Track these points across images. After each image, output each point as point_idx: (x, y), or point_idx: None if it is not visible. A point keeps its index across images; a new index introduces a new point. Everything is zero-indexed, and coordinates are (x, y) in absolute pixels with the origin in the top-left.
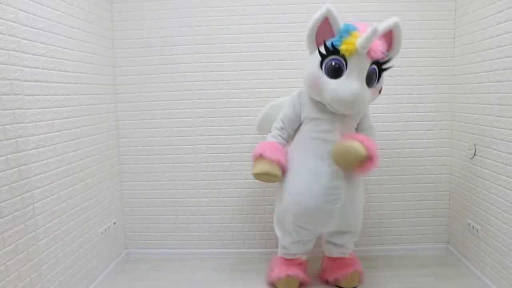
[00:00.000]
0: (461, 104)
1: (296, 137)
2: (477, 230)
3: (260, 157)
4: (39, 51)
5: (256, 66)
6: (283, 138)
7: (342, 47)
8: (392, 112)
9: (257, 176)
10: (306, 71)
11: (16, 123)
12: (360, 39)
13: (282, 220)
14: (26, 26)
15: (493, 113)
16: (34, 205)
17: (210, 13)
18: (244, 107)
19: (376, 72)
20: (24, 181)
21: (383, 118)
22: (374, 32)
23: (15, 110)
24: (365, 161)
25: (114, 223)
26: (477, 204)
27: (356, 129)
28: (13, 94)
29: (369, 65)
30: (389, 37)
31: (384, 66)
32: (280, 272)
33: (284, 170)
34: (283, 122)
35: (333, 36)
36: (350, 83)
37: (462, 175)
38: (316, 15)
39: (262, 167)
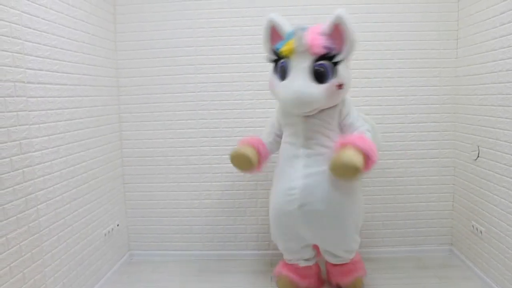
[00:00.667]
0: (464, 105)
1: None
2: (481, 232)
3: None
4: (43, 53)
5: (259, 68)
6: (269, 137)
7: (282, 49)
8: (395, 114)
9: (231, 158)
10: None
11: (20, 125)
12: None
13: (271, 226)
14: (30, 28)
15: (496, 114)
16: (38, 206)
17: (213, 15)
18: (247, 109)
19: (326, 67)
20: (28, 182)
21: (386, 119)
22: (300, 29)
23: (18, 112)
24: (364, 166)
25: (118, 225)
26: (481, 205)
27: (342, 130)
28: (16, 96)
29: (312, 61)
30: (340, 31)
31: (335, 60)
32: (278, 269)
33: (260, 158)
34: (274, 119)
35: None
36: (292, 82)
37: (465, 176)
38: (263, 26)
39: (235, 149)
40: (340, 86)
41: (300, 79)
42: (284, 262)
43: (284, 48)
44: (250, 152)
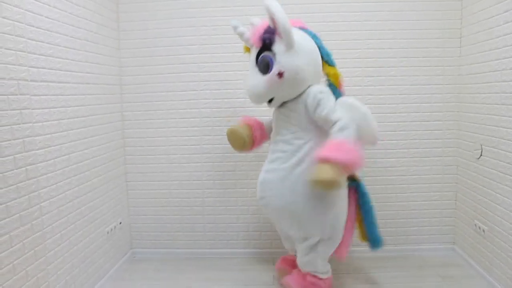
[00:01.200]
0: (467, 104)
1: None
2: (483, 231)
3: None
4: (46, 52)
5: None
6: (270, 123)
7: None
8: (398, 112)
9: (227, 134)
10: None
11: (23, 123)
12: None
13: None
14: (33, 26)
15: (499, 113)
16: (41, 204)
17: (216, 13)
18: (250, 107)
19: (268, 58)
20: (31, 180)
21: (389, 118)
22: (233, 27)
23: (22, 110)
24: (343, 174)
25: (120, 223)
26: (484, 204)
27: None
28: (20, 94)
29: (256, 53)
30: (273, 19)
31: (273, 49)
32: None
33: (254, 140)
34: None
35: None
36: (249, 76)
37: (468, 175)
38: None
39: (233, 126)
40: (280, 74)
41: (251, 72)
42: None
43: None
44: (245, 133)
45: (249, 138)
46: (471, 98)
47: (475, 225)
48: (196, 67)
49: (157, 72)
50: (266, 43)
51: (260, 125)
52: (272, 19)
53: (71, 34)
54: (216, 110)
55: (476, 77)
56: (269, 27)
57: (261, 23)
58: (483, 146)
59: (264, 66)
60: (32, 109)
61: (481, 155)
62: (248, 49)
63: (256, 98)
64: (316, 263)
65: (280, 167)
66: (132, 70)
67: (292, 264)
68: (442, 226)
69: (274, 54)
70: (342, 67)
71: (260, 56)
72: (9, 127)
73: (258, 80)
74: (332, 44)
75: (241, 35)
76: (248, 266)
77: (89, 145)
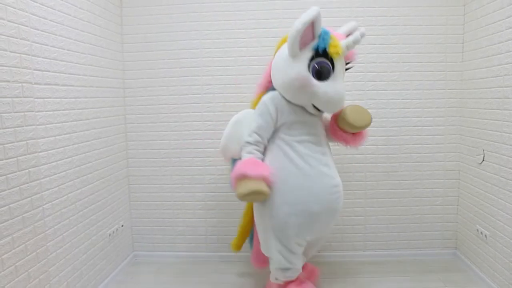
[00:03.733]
0: (469, 109)
1: (274, 147)
2: (485, 236)
3: (242, 177)
4: (50, 55)
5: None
6: (259, 152)
7: (332, 50)
8: (400, 117)
9: (244, 197)
10: (290, 75)
11: (26, 125)
12: (346, 42)
13: (280, 237)
14: (38, 29)
15: (502, 118)
16: (44, 206)
17: (219, 17)
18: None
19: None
20: (34, 182)
21: (391, 122)
22: (363, 35)
23: (26, 113)
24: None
25: (122, 226)
26: (486, 209)
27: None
28: (24, 97)
29: (344, 65)
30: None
31: (348, 66)
32: None
33: (269, 185)
34: (258, 134)
35: (312, 38)
36: (339, 84)
37: (470, 180)
38: (305, 17)
39: (248, 186)
40: None
41: (342, 82)
42: (291, 282)
43: (333, 50)
44: (264, 187)
45: (267, 187)
46: (473, 103)
47: (477, 230)
48: (199, 70)
49: (160, 75)
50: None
51: (260, 163)
52: (355, 41)
53: (75, 38)
54: (219, 114)
55: (479, 82)
56: None
57: (339, 35)
58: (485, 151)
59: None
60: (36, 111)
61: (483, 160)
62: (338, 54)
63: (341, 106)
64: None
65: (333, 167)
66: (135, 74)
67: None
68: (444, 231)
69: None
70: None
71: (345, 68)
72: (12, 129)
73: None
74: None
75: (354, 43)
76: (250, 269)
77: (92, 147)
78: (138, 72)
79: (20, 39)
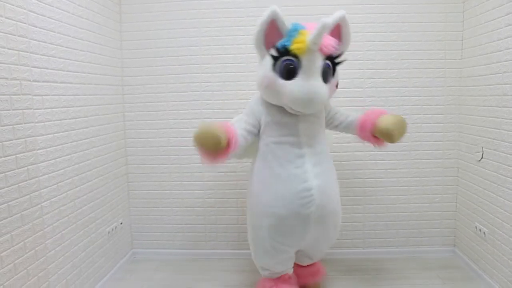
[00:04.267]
0: (468, 106)
1: (259, 146)
2: (484, 233)
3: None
4: (48, 52)
5: None
6: (243, 129)
7: (293, 47)
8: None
9: (198, 135)
10: (259, 76)
11: (25, 123)
12: (311, 36)
13: (257, 237)
14: (36, 27)
15: (501, 115)
16: (42, 204)
17: (218, 15)
18: None
19: (330, 67)
20: (32, 180)
21: None
22: (324, 26)
23: (24, 110)
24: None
25: (121, 223)
26: (485, 207)
27: (330, 125)
28: (22, 94)
29: (322, 61)
30: (337, 31)
31: (337, 60)
32: None
33: (230, 143)
34: (240, 122)
35: (281, 37)
36: (307, 82)
37: (469, 177)
38: (262, 18)
39: (204, 125)
40: (337, 85)
41: (315, 79)
42: (270, 280)
43: (296, 46)
44: (220, 132)
45: (225, 137)
46: (472, 100)
47: (476, 227)
48: (198, 68)
49: (159, 73)
50: (338, 53)
51: (232, 128)
52: (342, 31)
53: (73, 35)
54: (218, 111)
55: (478, 79)
56: (335, 37)
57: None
58: (484, 149)
59: (326, 75)
60: (34, 109)
61: (482, 157)
62: (303, 50)
63: (318, 105)
64: None
65: (326, 168)
66: (134, 71)
67: (287, 281)
68: (443, 228)
69: (334, 65)
70: (343, 68)
71: (324, 64)
72: (11, 126)
73: (325, 88)
74: None
75: (317, 36)
76: (249, 267)
77: (91, 145)
78: (137, 69)
79: (18, 36)
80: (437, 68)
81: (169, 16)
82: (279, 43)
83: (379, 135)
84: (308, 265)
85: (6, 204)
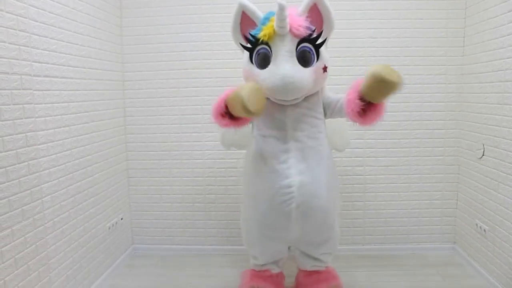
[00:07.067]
0: (470, 103)
1: (251, 139)
2: (484, 230)
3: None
4: (49, 47)
5: None
6: None
7: (261, 34)
8: (399, 111)
9: (245, 94)
10: (242, 68)
11: (26, 118)
12: (275, 20)
13: (247, 229)
14: (37, 21)
15: (502, 112)
16: (43, 199)
17: (219, 10)
18: None
19: (311, 50)
20: (33, 175)
21: (390, 117)
22: (281, 7)
23: (24, 105)
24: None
25: (122, 219)
26: (485, 204)
27: (327, 114)
28: (23, 89)
29: (296, 44)
30: (316, 11)
31: (318, 42)
32: (245, 284)
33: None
34: None
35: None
36: (278, 67)
37: (470, 175)
38: (232, 13)
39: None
40: (325, 68)
41: (288, 63)
42: (253, 272)
43: (263, 33)
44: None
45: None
46: (473, 97)
47: (476, 224)
48: (199, 63)
49: (160, 68)
50: (312, 35)
51: None
52: (320, 9)
53: (74, 30)
54: None
55: (479, 76)
56: (312, 19)
57: (290, 10)
58: (485, 146)
59: (304, 58)
60: (35, 104)
61: (483, 154)
62: (270, 36)
63: (297, 91)
64: (337, 245)
65: (314, 164)
66: (134, 66)
67: (268, 279)
68: (443, 225)
69: (315, 47)
70: (345, 65)
71: (302, 46)
72: (11, 121)
73: (302, 72)
74: (335, 43)
75: (281, 20)
76: (249, 262)
77: (91, 140)
78: (137, 64)
79: (19, 30)
80: (439, 65)
81: (169, 12)
82: (249, 34)
83: (367, 90)
84: (315, 273)
85: (6, 199)
